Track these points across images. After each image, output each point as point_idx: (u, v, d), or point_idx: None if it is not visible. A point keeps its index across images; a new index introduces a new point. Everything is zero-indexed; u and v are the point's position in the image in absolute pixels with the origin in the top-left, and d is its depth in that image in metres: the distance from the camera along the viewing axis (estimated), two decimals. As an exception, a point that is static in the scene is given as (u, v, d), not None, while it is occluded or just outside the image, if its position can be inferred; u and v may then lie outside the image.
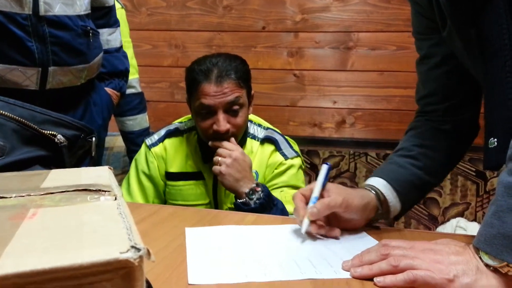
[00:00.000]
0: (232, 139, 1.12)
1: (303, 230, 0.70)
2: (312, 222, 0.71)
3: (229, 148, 1.09)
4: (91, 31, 1.16)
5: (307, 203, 0.73)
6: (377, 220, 0.80)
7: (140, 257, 0.23)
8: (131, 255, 0.23)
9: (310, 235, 0.73)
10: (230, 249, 0.68)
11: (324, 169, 0.76)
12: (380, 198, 0.77)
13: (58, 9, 1.05)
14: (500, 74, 0.63)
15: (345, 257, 0.64)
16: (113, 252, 0.23)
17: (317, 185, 0.74)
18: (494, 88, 0.64)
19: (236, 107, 1.12)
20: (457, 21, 0.67)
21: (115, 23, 1.38)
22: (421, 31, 0.83)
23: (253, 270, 0.60)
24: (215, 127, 1.11)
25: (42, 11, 1.02)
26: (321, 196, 0.73)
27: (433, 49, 0.81)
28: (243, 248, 0.68)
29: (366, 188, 0.78)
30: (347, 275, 0.59)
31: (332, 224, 0.74)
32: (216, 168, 1.08)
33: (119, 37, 1.40)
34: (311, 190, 0.74)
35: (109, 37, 1.35)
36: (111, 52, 1.36)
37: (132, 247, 0.24)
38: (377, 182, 0.78)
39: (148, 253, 0.24)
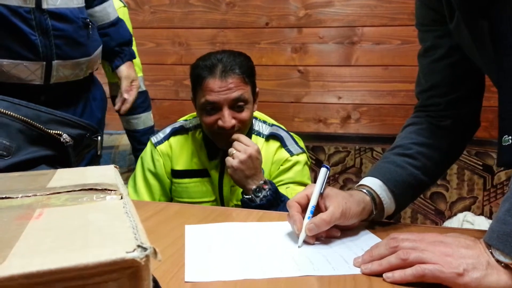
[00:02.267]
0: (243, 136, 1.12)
1: (299, 244, 0.67)
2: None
3: (246, 143, 1.09)
4: (90, 23, 1.18)
5: (303, 210, 0.71)
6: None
7: (147, 256, 0.23)
8: (137, 254, 0.23)
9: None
10: (228, 246, 0.67)
11: (322, 172, 0.72)
12: (375, 200, 0.75)
13: (60, 2, 1.07)
14: None
15: (344, 254, 0.64)
16: (119, 252, 0.23)
17: (315, 192, 0.70)
18: (508, 85, 0.63)
19: (241, 103, 1.12)
20: (467, 13, 0.65)
21: None
22: (426, 23, 0.81)
23: (251, 267, 0.60)
24: (220, 123, 1.11)
25: (44, 4, 1.03)
26: (318, 205, 0.70)
27: (438, 41, 0.79)
28: (241, 245, 0.68)
29: (361, 190, 0.75)
30: (345, 271, 0.59)
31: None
32: (229, 160, 1.08)
33: (114, 8, 1.44)
34: (307, 198, 0.71)
35: (110, 10, 1.38)
36: (116, 23, 1.40)
37: (139, 246, 0.23)
38: (373, 182, 0.76)
39: (155, 252, 0.24)
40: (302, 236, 0.68)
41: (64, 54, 1.10)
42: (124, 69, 1.43)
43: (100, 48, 1.27)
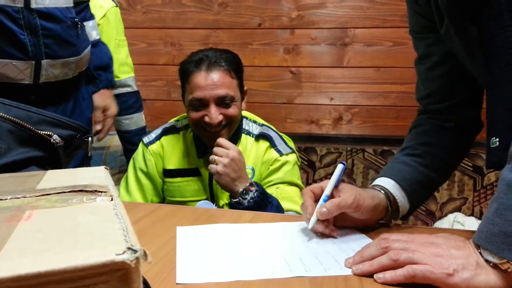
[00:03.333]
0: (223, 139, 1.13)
1: (310, 227, 0.69)
2: (319, 220, 0.70)
3: (226, 146, 1.09)
4: (79, 23, 1.18)
5: (315, 200, 0.72)
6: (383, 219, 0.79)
7: (137, 258, 0.23)
8: (127, 256, 0.23)
9: (304, 234, 0.73)
10: (220, 248, 0.67)
11: (339, 168, 0.74)
12: (390, 198, 0.76)
13: (49, 2, 1.07)
14: (503, 73, 0.62)
15: (336, 255, 0.64)
16: (109, 254, 0.23)
17: (330, 183, 0.72)
18: (497, 88, 0.63)
19: (228, 100, 1.13)
20: (455, 18, 0.66)
21: (91, 17, 1.40)
22: (418, 30, 0.82)
23: (242, 268, 0.60)
24: (206, 119, 1.12)
25: (33, 4, 1.03)
26: (332, 195, 0.72)
27: (431, 48, 0.80)
28: (233, 246, 0.68)
29: (375, 189, 0.77)
30: (337, 272, 0.59)
31: (339, 222, 0.73)
32: (212, 167, 1.08)
33: (98, 30, 1.42)
34: (321, 188, 0.73)
35: (91, 30, 1.36)
36: (96, 45, 1.38)
37: (129, 248, 0.23)
38: (386, 182, 0.77)
39: (145, 254, 0.24)
40: (313, 220, 0.68)
41: (53, 53, 1.10)
42: (96, 98, 1.38)
43: (89, 48, 1.27)
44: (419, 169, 0.80)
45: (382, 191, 0.76)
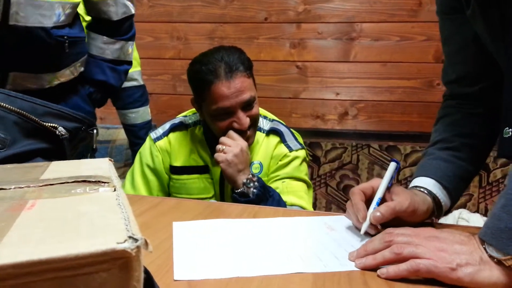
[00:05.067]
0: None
1: (362, 231, 0.67)
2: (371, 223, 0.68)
3: (235, 138, 1.09)
4: (67, 41, 1.11)
5: (366, 201, 0.70)
6: None
7: (138, 247, 0.23)
8: (128, 245, 0.23)
9: (302, 229, 0.72)
10: (218, 244, 0.66)
11: (391, 167, 0.71)
12: (435, 199, 0.75)
13: (33, 19, 1.01)
14: None
15: (335, 251, 0.64)
16: (110, 243, 0.23)
17: (382, 184, 0.70)
18: None
19: (251, 102, 1.13)
20: (480, 1, 0.65)
21: (123, 35, 1.30)
22: (445, 10, 0.80)
23: (241, 264, 0.59)
24: (236, 125, 1.11)
25: (12, 20, 0.98)
26: (384, 199, 0.70)
27: (459, 29, 0.78)
28: (232, 242, 0.67)
29: (420, 191, 0.75)
30: (337, 268, 0.59)
31: (387, 224, 0.70)
32: (221, 155, 1.07)
33: (115, 49, 1.31)
34: (372, 188, 0.71)
35: (104, 46, 1.29)
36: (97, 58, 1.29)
37: (130, 237, 0.23)
38: (427, 182, 0.75)
39: (146, 243, 0.24)
40: (366, 225, 0.67)
41: (25, 68, 1.06)
42: None
43: (82, 60, 1.21)
44: (459, 164, 0.78)
45: (429, 194, 0.74)
